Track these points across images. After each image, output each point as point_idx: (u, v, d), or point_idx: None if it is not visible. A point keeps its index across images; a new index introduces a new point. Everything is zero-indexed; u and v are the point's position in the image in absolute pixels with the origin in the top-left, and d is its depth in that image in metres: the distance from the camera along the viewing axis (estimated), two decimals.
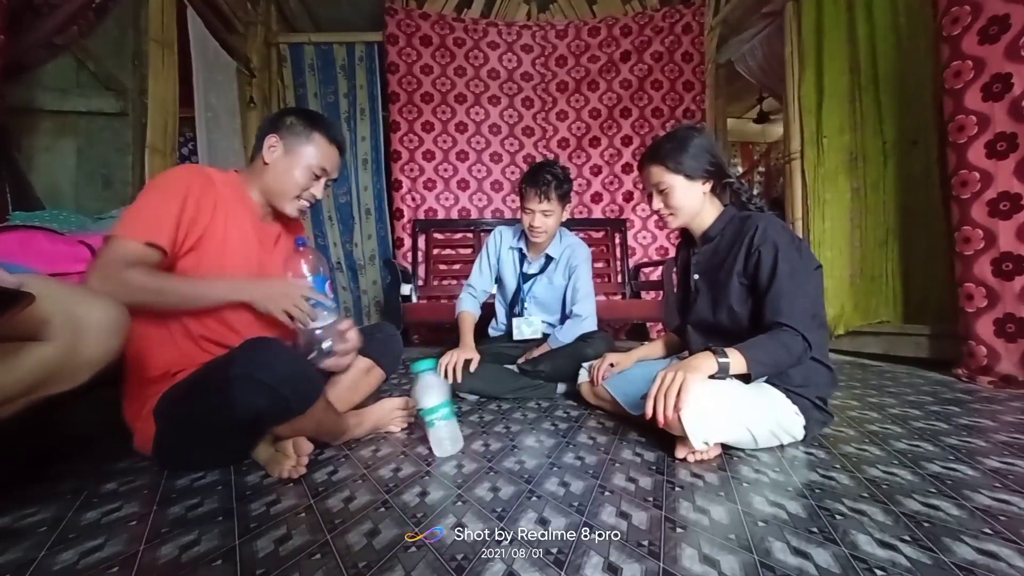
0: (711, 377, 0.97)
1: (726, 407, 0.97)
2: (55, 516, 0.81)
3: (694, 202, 1.19)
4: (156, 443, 0.97)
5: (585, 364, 1.46)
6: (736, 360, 0.97)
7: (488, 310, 2.00)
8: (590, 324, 1.76)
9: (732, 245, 1.14)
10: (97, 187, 2.18)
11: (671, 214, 1.20)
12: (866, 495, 0.83)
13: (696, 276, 1.24)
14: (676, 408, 0.91)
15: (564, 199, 1.69)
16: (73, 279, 1.23)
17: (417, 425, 1.30)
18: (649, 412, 0.95)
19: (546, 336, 1.82)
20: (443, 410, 1.07)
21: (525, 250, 1.86)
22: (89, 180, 2.17)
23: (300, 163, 1.12)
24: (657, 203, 1.22)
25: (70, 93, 2.13)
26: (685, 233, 1.30)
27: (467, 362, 1.59)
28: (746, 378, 0.99)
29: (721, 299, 1.15)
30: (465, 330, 1.75)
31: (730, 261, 1.13)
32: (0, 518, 0.80)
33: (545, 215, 1.67)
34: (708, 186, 1.18)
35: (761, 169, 6.23)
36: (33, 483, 0.96)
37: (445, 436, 1.08)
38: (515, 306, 1.88)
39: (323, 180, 1.16)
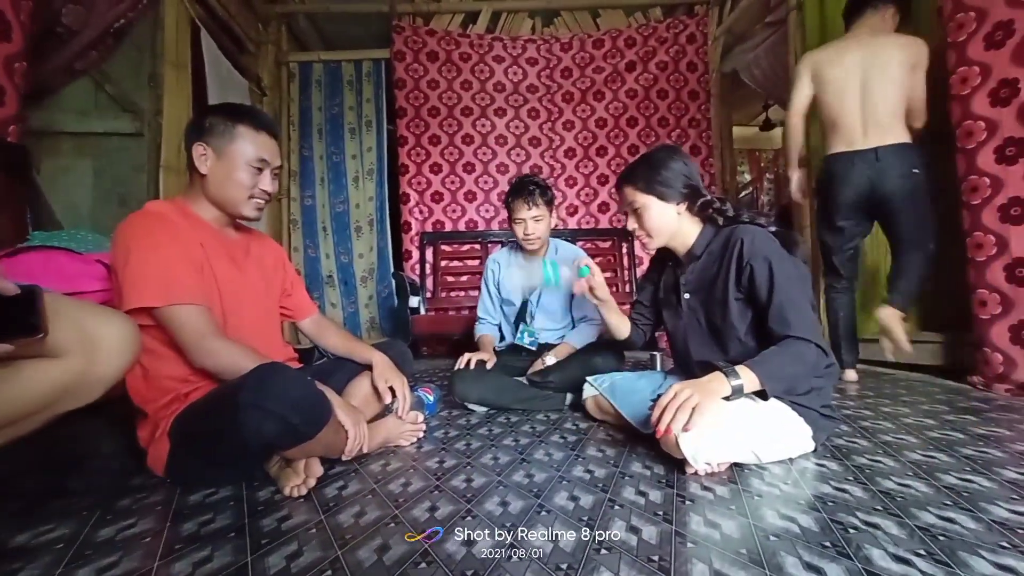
0: (724, 399, 0.96)
1: (727, 431, 0.96)
2: (72, 533, 0.82)
3: (669, 223, 1.19)
4: (169, 462, 0.99)
5: (589, 378, 1.46)
6: (748, 379, 0.96)
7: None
8: (597, 329, 1.83)
9: (720, 260, 1.14)
10: (113, 206, 2.23)
11: (647, 235, 1.21)
12: (880, 508, 0.82)
13: (687, 296, 1.23)
14: (684, 428, 0.91)
15: (550, 204, 1.81)
16: (90, 297, 1.26)
17: (426, 439, 1.31)
18: (655, 418, 0.95)
19: (546, 345, 1.84)
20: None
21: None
22: (105, 199, 2.23)
23: (237, 163, 1.05)
24: (632, 224, 1.23)
25: (88, 115, 2.20)
26: (659, 251, 1.30)
27: (481, 362, 1.69)
28: (763, 394, 0.98)
29: (717, 315, 1.15)
30: (485, 344, 1.88)
31: (722, 277, 1.12)
32: (19, 535, 0.81)
33: (536, 220, 1.77)
34: (683, 207, 1.18)
35: (770, 176, 6.21)
36: (49, 500, 0.97)
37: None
38: (520, 319, 1.91)
39: (267, 171, 1.09)
